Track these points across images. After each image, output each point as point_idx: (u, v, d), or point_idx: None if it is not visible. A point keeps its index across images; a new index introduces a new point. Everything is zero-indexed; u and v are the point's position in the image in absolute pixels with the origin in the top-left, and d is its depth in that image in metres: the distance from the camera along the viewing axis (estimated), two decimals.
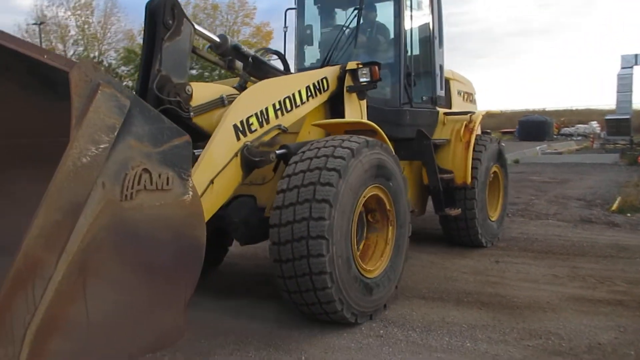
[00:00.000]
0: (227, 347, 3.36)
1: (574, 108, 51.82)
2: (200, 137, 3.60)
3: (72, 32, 40.68)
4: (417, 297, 4.32)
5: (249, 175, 3.74)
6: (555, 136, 35.00)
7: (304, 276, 3.34)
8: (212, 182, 3.35)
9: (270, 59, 4.88)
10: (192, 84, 3.72)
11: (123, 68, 36.00)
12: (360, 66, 4.53)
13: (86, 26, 39.71)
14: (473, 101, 6.98)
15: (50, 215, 1.83)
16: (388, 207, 3.96)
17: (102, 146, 1.97)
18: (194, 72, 29.76)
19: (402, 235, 4.09)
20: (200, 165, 3.30)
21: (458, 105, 6.46)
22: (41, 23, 38.39)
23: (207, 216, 3.40)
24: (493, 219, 6.00)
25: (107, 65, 35.10)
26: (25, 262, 1.78)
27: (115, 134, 2.02)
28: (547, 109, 50.64)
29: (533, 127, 33.93)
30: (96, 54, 38.66)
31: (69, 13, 40.01)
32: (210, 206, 3.39)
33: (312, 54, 5.83)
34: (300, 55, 5.88)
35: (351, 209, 3.50)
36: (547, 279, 4.76)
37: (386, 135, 5.10)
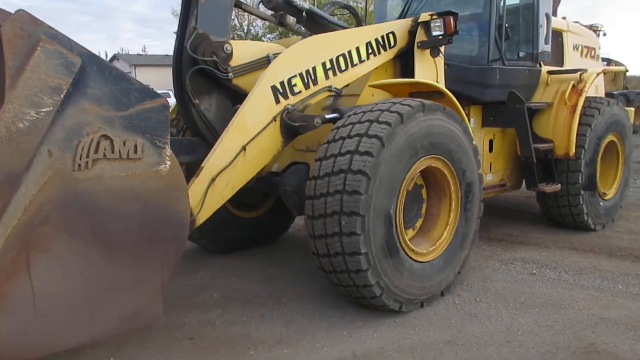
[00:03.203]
0: None
1: None
2: (243, 100, 3.36)
3: None
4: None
5: (290, 142, 3.43)
6: None
7: (336, 256, 2.99)
8: (244, 148, 3.10)
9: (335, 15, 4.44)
10: (233, 42, 3.46)
11: (269, 36, 36.20)
12: (435, 17, 3.91)
13: None
14: (595, 57, 5.81)
15: None
16: (450, 183, 3.40)
17: (44, 110, 1.77)
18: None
19: (468, 216, 3.51)
20: (230, 130, 3.06)
21: (574, 62, 5.41)
22: None
23: (240, 185, 3.19)
24: (606, 198, 5.04)
25: (254, 34, 35.81)
26: None
27: (62, 96, 1.81)
28: None
29: None
30: (245, 22, 40.12)
31: None
32: (242, 174, 3.17)
33: (395, 8, 5.22)
34: (381, 8, 5.32)
35: (397, 183, 3.04)
36: None
37: (471, 97, 4.46)
